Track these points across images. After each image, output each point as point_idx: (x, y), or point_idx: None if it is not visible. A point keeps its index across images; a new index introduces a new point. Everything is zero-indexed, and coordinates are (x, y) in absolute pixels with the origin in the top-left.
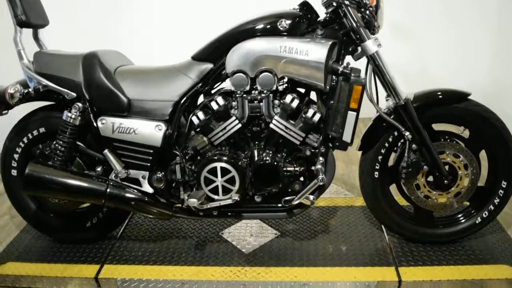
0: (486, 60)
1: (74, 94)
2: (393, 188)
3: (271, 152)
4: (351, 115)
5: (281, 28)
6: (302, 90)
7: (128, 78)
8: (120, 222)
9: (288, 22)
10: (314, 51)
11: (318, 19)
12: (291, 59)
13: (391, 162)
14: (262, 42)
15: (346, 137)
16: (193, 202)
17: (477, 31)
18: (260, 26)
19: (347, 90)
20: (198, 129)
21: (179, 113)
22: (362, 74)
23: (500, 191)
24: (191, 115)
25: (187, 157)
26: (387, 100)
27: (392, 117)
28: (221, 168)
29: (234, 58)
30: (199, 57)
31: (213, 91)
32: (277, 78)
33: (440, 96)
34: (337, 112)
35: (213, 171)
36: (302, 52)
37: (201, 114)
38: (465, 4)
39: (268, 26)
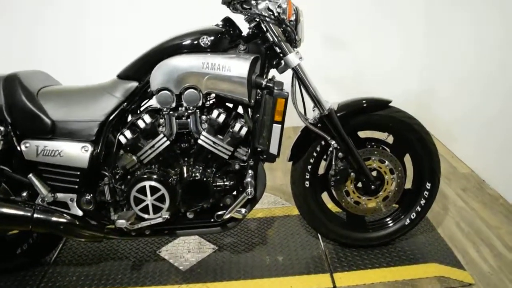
0: (417, 68)
1: None
2: (325, 196)
3: (200, 167)
4: (276, 127)
5: (203, 45)
6: (231, 105)
7: (52, 99)
8: (53, 247)
9: (210, 38)
10: (236, 66)
11: (242, 34)
12: (214, 75)
13: (322, 171)
14: (185, 59)
15: (273, 149)
16: (122, 223)
17: (408, 40)
18: (183, 43)
19: (271, 103)
20: (127, 148)
21: (106, 133)
22: (286, 87)
23: (425, 192)
24: (119, 134)
25: (116, 177)
26: (313, 110)
27: (318, 126)
28: (150, 186)
29: (158, 75)
30: (124, 76)
31: (141, 109)
32: (202, 94)
33: (363, 105)
34: (263, 125)
35: (142, 190)
36: (225, 67)
37: (128, 133)
38: (396, 13)
39: (191, 43)
